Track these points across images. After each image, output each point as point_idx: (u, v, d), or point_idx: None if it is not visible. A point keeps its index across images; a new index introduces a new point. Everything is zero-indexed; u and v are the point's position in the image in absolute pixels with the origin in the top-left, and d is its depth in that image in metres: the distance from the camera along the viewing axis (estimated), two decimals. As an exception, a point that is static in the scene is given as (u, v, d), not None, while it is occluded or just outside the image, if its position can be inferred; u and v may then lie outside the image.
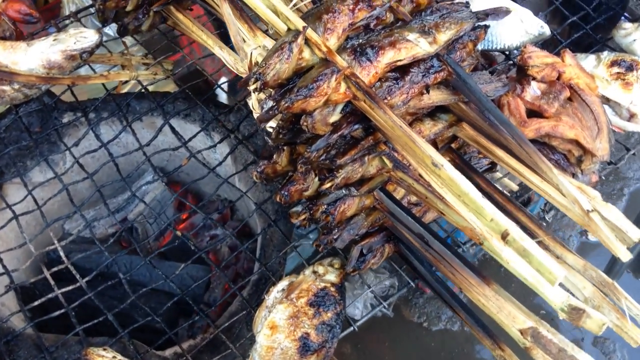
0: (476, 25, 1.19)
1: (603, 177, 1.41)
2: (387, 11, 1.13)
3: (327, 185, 1.09)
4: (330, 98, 1.01)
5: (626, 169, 3.08)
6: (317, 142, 1.05)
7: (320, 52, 1.03)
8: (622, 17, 1.84)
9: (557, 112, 1.36)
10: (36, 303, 1.39)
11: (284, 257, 1.53)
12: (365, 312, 2.42)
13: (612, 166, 1.51)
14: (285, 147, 1.17)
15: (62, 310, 1.37)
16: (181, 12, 1.61)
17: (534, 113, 1.37)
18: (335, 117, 1.06)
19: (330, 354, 1.18)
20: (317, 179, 1.15)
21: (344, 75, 1.01)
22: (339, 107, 1.06)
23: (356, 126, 1.07)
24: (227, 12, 1.28)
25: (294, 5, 1.25)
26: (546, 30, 1.64)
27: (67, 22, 1.87)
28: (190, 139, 1.61)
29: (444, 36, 1.12)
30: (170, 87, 2.32)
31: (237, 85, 1.13)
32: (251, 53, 1.22)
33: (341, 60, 1.03)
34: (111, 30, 2.25)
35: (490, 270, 2.54)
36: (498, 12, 1.24)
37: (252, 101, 1.28)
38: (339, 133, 1.05)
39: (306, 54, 1.04)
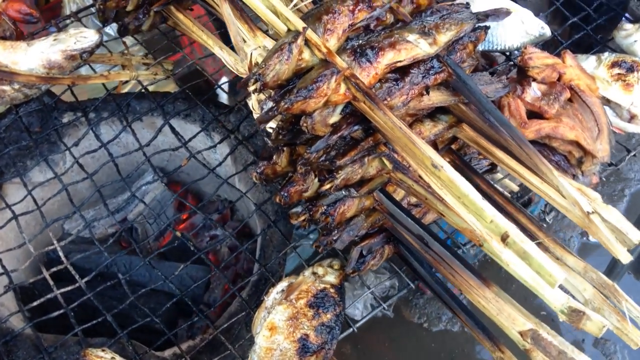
0: (476, 26, 1.19)
1: (604, 179, 1.41)
2: (387, 12, 1.13)
3: (327, 186, 1.09)
4: (330, 99, 1.01)
5: (627, 170, 3.08)
6: (317, 143, 1.05)
7: (320, 53, 1.03)
8: (623, 18, 1.83)
9: (558, 114, 1.36)
10: (35, 303, 1.39)
11: (284, 258, 1.53)
12: (365, 312, 2.42)
13: (612, 167, 1.51)
14: (285, 148, 1.17)
15: (61, 311, 1.37)
16: (181, 12, 1.61)
17: (534, 114, 1.37)
18: (335, 118, 1.06)
19: (330, 355, 1.18)
20: (316, 180, 1.15)
21: (343, 76, 1.01)
22: (339, 108, 1.05)
23: (356, 127, 1.06)
24: (227, 12, 1.28)
25: (295, 6, 1.25)
26: (547, 31, 1.64)
27: (67, 21, 1.87)
28: (190, 139, 1.61)
29: (444, 37, 1.12)
30: (171, 87, 2.32)
31: (237, 86, 1.13)
32: (251, 53, 1.22)
33: (341, 61, 1.02)
34: (112, 30, 2.25)
35: (490, 271, 2.54)
36: (498, 13, 1.23)
37: (252, 102, 1.28)
38: (339, 134, 1.05)
39: (306, 54, 1.03)
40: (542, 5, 2.03)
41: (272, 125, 1.19)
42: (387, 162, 1.11)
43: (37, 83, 1.54)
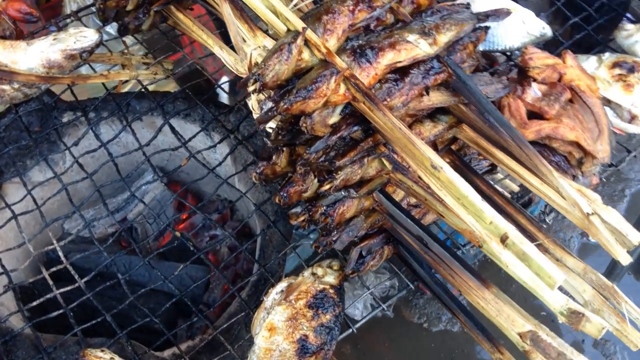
0: (477, 26, 1.18)
1: (604, 179, 1.41)
2: (387, 12, 1.13)
3: (326, 186, 1.09)
4: (329, 99, 1.01)
5: (628, 170, 3.08)
6: (316, 143, 1.05)
7: (319, 53, 1.03)
8: (624, 19, 1.83)
9: (558, 114, 1.35)
10: (35, 303, 1.39)
11: (283, 258, 1.53)
12: (365, 312, 2.42)
13: (612, 168, 1.50)
14: (284, 148, 1.17)
15: (61, 311, 1.37)
16: (181, 12, 1.61)
17: (534, 115, 1.36)
18: (334, 118, 1.05)
19: (329, 356, 1.17)
20: (316, 180, 1.15)
21: (343, 77, 1.01)
22: (339, 109, 1.05)
23: (355, 128, 1.06)
24: (227, 12, 1.28)
25: (295, 6, 1.25)
26: (548, 31, 1.63)
27: (67, 21, 1.87)
28: (190, 139, 1.60)
29: (444, 37, 1.12)
30: (171, 86, 2.32)
31: (237, 86, 1.13)
32: (251, 53, 1.21)
33: (340, 62, 1.02)
34: (112, 29, 2.25)
35: (490, 271, 2.54)
36: (499, 14, 1.23)
37: (252, 102, 1.28)
38: (338, 134, 1.05)
39: (305, 55, 1.03)
40: (543, 5, 2.02)
41: (271, 125, 1.19)
42: (386, 163, 1.11)
43: (36, 82, 1.54)
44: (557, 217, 2.88)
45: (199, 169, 1.59)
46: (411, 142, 0.98)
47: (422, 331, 2.62)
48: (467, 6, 1.20)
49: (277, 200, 1.18)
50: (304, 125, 1.03)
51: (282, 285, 1.24)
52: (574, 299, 1.04)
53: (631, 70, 1.54)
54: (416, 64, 1.10)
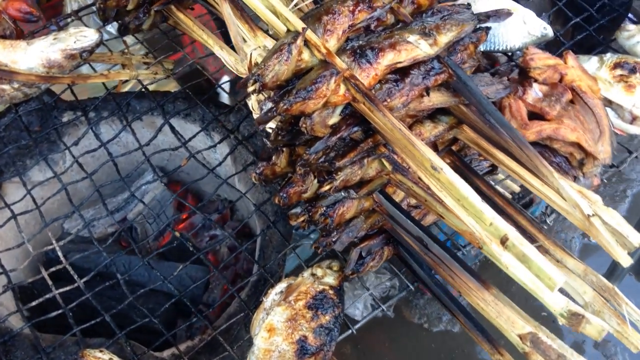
0: (477, 27, 1.18)
1: (605, 180, 1.41)
2: (387, 12, 1.12)
3: (326, 187, 1.09)
4: (329, 100, 1.01)
5: (629, 171, 3.07)
6: (316, 144, 1.05)
7: (319, 54, 1.02)
8: (626, 19, 1.82)
9: (559, 115, 1.35)
10: (34, 303, 1.39)
11: (283, 259, 1.53)
12: (365, 312, 2.42)
13: (614, 169, 1.50)
14: (284, 149, 1.17)
15: (60, 311, 1.37)
16: (182, 12, 1.61)
17: (535, 115, 1.36)
18: (334, 119, 1.05)
19: (328, 357, 1.17)
20: (316, 181, 1.15)
21: (343, 77, 1.00)
22: (338, 109, 1.05)
23: (355, 128, 1.06)
24: (227, 12, 1.27)
25: (295, 6, 1.24)
26: (549, 31, 1.63)
27: (68, 20, 1.86)
28: (190, 139, 1.60)
29: (445, 38, 1.12)
30: (172, 86, 2.32)
31: (236, 87, 1.13)
32: (251, 54, 1.21)
33: (340, 62, 1.02)
34: (113, 28, 2.25)
35: (491, 271, 2.53)
36: (499, 14, 1.23)
37: (252, 102, 1.28)
38: (338, 135, 1.05)
39: (305, 55, 1.03)
40: (544, 5, 2.02)
41: (271, 125, 1.19)
42: (386, 164, 1.11)
43: (36, 82, 1.53)
44: (559, 217, 2.87)
45: (199, 169, 1.59)
46: (411, 143, 0.98)
47: (423, 331, 2.62)
48: (468, 7, 1.19)
49: (276, 201, 1.18)
50: (304, 125, 1.03)
51: (281, 285, 1.24)
52: (574, 300, 1.04)
53: (633, 71, 1.54)
54: (416, 64, 1.10)
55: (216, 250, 2.04)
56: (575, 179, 1.38)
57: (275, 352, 1.15)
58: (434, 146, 1.24)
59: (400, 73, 1.09)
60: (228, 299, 1.51)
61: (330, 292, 1.21)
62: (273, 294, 1.23)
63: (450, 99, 1.16)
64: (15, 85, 1.53)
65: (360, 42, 1.08)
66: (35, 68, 1.50)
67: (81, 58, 1.53)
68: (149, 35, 1.88)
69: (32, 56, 1.50)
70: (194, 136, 1.62)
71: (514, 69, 1.59)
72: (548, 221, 2.76)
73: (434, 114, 1.21)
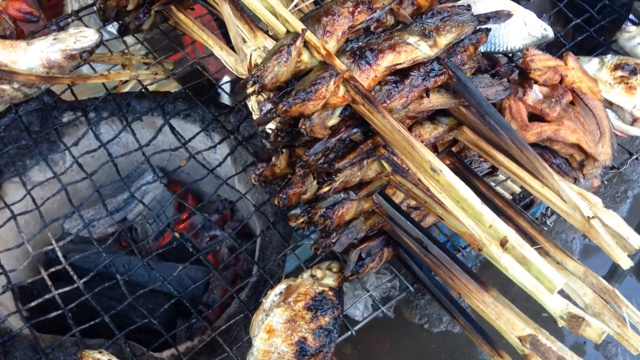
0: (477, 28, 1.18)
1: (605, 182, 1.40)
2: (387, 14, 1.12)
3: (326, 188, 1.09)
4: (328, 101, 1.00)
5: (630, 172, 3.07)
6: (316, 145, 1.04)
7: (319, 55, 1.02)
8: (627, 20, 1.82)
9: (559, 116, 1.35)
10: (33, 304, 1.39)
11: (283, 260, 1.53)
12: (366, 312, 2.42)
13: (614, 171, 1.50)
14: (283, 150, 1.16)
15: (59, 312, 1.37)
16: (182, 12, 1.61)
17: (535, 117, 1.36)
18: (333, 120, 1.05)
19: (328, 358, 1.17)
20: (315, 182, 1.14)
21: (342, 79, 1.00)
22: (338, 111, 1.05)
23: (355, 130, 1.06)
24: (227, 12, 1.27)
25: (296, 6, 1.24)
26: (549, 32, 1.62)
27: (68, 20, 1.86)
28: (190, 140, 1.60)
29: (445, 39, 1.11)
30: (172, 86, 2.31)
31: (236, 88, 1.13)
32: (251, 54, 1.21)
33: (340, 64, 1.02)
34: (113, 28, 2.25)
35: (492, 272, 2.52)
36: (499, 15, 1.22)
37: (252, 103, 1.28)
38: (338, 137, 1.04)
39: (305, 56, 1.03)
40: (545, 6, 2.02)
41: (271, 126, 1.18)
42: (386, 165, 1.11)
43: (36, 82, 1.53)
44: (559, 218, 2.87)
45: (199, 169, 1.59)
46: (410, 145, 0.98)
47: (423, 332, 2.62)
48: (468, 8, 1.19)
49: (276, 202, 1.18)
50: (303, 127, 1.03)
51: (281, 287, 1.24)
52: (574, 302, 1.04)
53: (633, 72, 1.54)
54: (416, 66, 1.10)
55: (216, 251, 2.03)
56: (576, 180, 1.38)
57: (274, 353, 1.15)
58: (434, 148, 1.24)
59: (400, 74, 1.09)
60: (228, 299, 1.51)
61: (330, 293, 1.21)
62: (272, 295, 1.23)
63: (450, 100, 1.16)
64: (15, 86, 1.53)
65: (360, 44, 1.08)
66: (35, 68, 1.50)
67: (81, 58, 1.52)
68: (149, 35, 1.88)
69: (32, 56, 1.50)
70: (194, 137, 1.62)
71: (515, 70, 1.58)
72: (548, 222, 2.76)
73: (434, 116, 1.21)
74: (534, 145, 1.33)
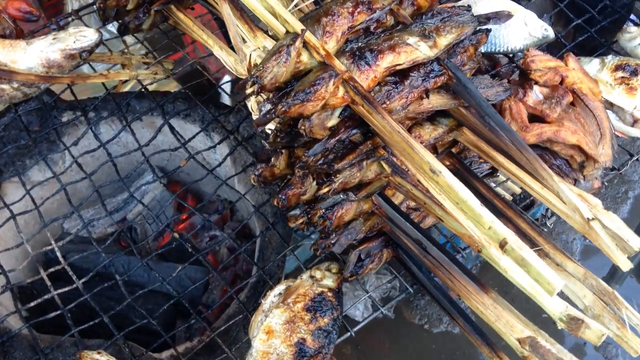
0: (477, 29, 1.17)
1: (606, 183, 1.40)
2: (387, 14, 1.12)
3: (325, 189, 1.08)
4: (328, 102, 1.00)
5: (631, 173, 3.06)
6: (315, 146, 1.04)
7: (318, 56, 1.02)
8: (628, 21, 1.82)
9: (560, 117, 1.34)
10: (32, 304, 1.38)
11: (282, 260, 1.52)
12: (366, 313, 2.42)
13: (615, 172, 1.49)
14: (283, 151, 1.16)
15: (59, 312, 1.36)
16: (182, 12, 1.60)
17: (536, 118, 1.35)
18: (333, 121, 1.05)
19: (327, 359, 1.17)
20: (315, 183, 1.14)
21: (342, 79, 1.00)
22: (337, 111, 1.04)
23: (354, 131, 1.06)
24: (226, 12, 1.27)
25: (296, 6, 1.24)
26: (550, 33, 1.62)
27: (68, 19, 1.86)
28: (190, 140, 1.60)
29: (445, 40, 1.11)
30: (172, 86, 2.31)
31: (235, 88, 1.12)
32: (250, 54, 1.20)
33: (339, 64, 1.01)
34: (113, 28, 2.24)
35: (491, 273, 2.51)
36: (500, 16, 1.22)
37: (252, 103, 1.27)
38: (337, 137, 1.04)
39: (304, 57, 1.02)
40: (545, 6, 2.01)
41: (270, 126, 1.18)
42: (385, 166, 1.10)
43: (36, 82, 1.53)
44: (559, 219, 2.86)
45: (199, 169, 1.58)
46: (410, 146, 0.98)
47: (423, 332, 2.61)
48: (468, 8, 1.19)
49: (275, 203, 1.18)
50: (303, 127, 1.02)
51: (280, 287, 1.23)
52: (574, 304, 1.03)
53: (634, 73, 1.53)
54: (416, 66, 1.09)
55: (216, 251, 2.03)
56: (576, 181, 1.37)
57: (273, 354, 1.14)
58: (433, 149, 1.24)
59: (400, 75, 1.08)
60: (227, 300, 1.51)
61: (329, 294, 1.21)
62: (272, 296, 1.23)
63: (449, 101, 1.15)
64: (15, 85, 1.53)
65: (360, 44, 1.08)
66: (35, 68, 1.50)
67: (81, 58, 1.52)
68: (149, 35, 1.88)
69: (32, 56, 1.49)
70: (194, 137, 1.62)
71: (515, 70, 1.58)
72: (548, 223, 2.76)
73: (434, 117, 1.20)
74: (534, 146, 1.33)
